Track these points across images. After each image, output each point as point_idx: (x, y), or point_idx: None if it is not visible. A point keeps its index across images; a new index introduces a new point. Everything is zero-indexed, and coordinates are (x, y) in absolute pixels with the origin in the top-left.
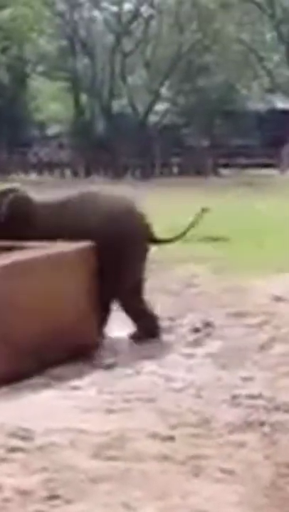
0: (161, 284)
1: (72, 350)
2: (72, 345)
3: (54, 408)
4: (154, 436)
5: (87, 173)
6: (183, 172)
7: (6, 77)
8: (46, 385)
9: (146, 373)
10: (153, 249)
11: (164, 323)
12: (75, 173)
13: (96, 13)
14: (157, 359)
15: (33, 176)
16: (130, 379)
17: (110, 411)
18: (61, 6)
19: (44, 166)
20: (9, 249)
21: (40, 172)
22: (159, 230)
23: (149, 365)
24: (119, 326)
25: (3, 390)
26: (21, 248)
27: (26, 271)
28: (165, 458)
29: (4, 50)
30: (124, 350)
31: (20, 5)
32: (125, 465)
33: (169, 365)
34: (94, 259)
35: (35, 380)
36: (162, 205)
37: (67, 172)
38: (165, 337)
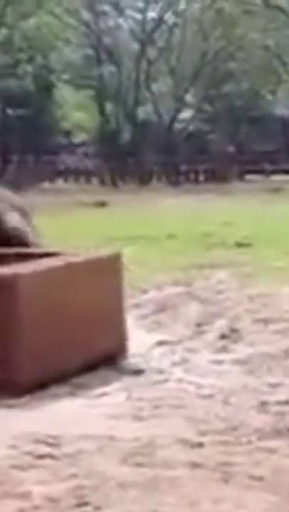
0: (187, 290)
1: (100, 356)
2: (101, 351)
3: (82, 415)
4: (183, 442)
5: (113, 181)
6: (208, 178)
7: (32, 86)
8: (73, 392)
9: (175, 380)
10: (179, 256)
11: (191, 330)
12: (101, 181)
13: (121, 21)
14: (185, 365)
15: (60, 184)
16: (159, 385)
17: (139, 418)
18: (86, 15)
19: (70, 174)
20: (41, 256)
21: (66, 180)
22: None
23: (177, 372)
24: (146, 331)
25: (28, 399)
26: (55, 254)
27: (62, 276)
28: (194, 465)
29: (30, 59)
30: (152, 355)
31: (45, 14)
32: (154, 472)
33: (197, 371)
34: (121, 264)
35: (62, 388)
36: (191, 211)
37: (93, 180)
38: (193, 343)
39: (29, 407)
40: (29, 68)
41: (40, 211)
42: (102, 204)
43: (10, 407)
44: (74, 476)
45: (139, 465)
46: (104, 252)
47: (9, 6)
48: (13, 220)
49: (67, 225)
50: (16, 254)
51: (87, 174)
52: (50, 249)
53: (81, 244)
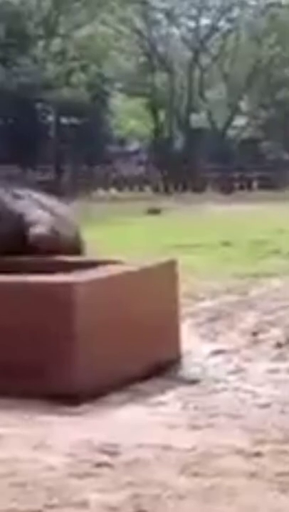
0: (243, 298)
1: (156, 364)
2: (156, 359)
3: (139, 424)
4: (239, 452)
5: (166, 188)
6: (262, 186)
7: (86, 96)
8: (130, 401)
9: (231, 389)
10: (233, 264)
11: (247, 338)
12: (155, 189)
13: (173, 29)
14: (241, 374)
15: (113, 192)
16: (215, 395)
17: (195, 427)
18: (139, 23)
19: (124, 182)
20: (96, 264)
21: (119, 188)
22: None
23: (233, 381)
24: (202, 340)
25: (86, 407)
26: (110, 263)
27: (118, 285)
28: (252, 474)
29: (83, 68)
30: (208, 364)
31: (98, 23)
32: (211, 481)
33: (253, 380)
34: (177, 272)
35: (119, 396)
36: (245, 219)
37: (147, 187)
38: (249, 352)
39: (87, 415)
40: (83, 77)
41: (94, 219)
42: (156, 212)
43: (68, 415)
44: (131, 484)
45: (196, 475)
46: (160, 260)
47: (62, 16)
48: (40, 228)
49: (121, 233)
50: (69, 263)
51: (141, 182)
52: (105, 258)
53: (135, 252)
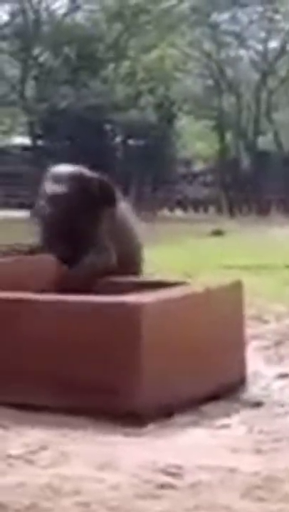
0: None
1: (220, 387)
2: (221, 381)
3: (203, 446)
4: None
5: (231, 210)
6: None
7: (153, 117)
8: (195, 423)
9: None
10: None
11: None
12: (219, 210)
13: (242, 52)
14: None
15: (178, 213)
16: (280, 418)
17: (260, 451)
18: (208, 46)
19: (189, 203)
20: (161, 285)
21: (184, 209)
22: None
23: None
24: (266, 363)
25: (151, 428)
26: (175, 284)
27: (184, 306)
28: None
29: (151, 90)
30: (273, 387)
31: (167, 46)
32: (277, 506)
33: None
34: (242, 294)
35: (184, 418)
36: None
37: (211, 208)
38: None
39: (152, 436)
40: (151, 99)
41: (159, 239)
42: (220, 233)
43: (134, 435)
44: (196, 507)
45: (261, 499)
46: (226, 281)
47: (132, 38)
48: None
49: (185, 253)
50: (137, 283)
51: (205, 203)
52: (173, 279)
53: (200, 273)
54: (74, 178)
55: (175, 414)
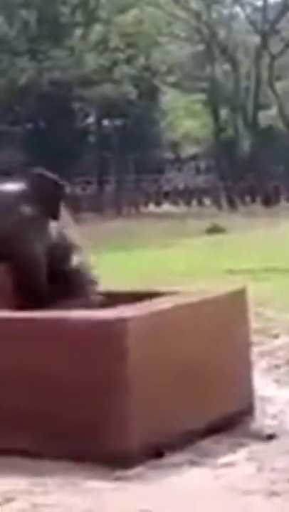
0: None
1: (222, 417)
2: (223, 410)
3: (204, 490)
4: None
5: (231, 201)
6: None
7: (132, 92)
8: (192, 462)
9: None
10: None
11: None
12: (216, 202)
13: (237, 9)
14: None
15: (166, 207)
16: None
17: (274, 493)
18: (195, 4)
19: (179, 195)
20: (149, 296)
21: (174, 202)
22: None
23: None
24: (278, 385)
25: (139, 470)
26: (165, 294)
27: (176, 320)
28: None
29: (129, 60)
30: (286, 414)
31: (146, 5)
32: None
33: None
34: (246, 304)
35: (179, 456)
36: None
37: (207, 200)
38: None
39: (141, 480)
40: (128, 70)
41: (142, 241)
42: (219, 230)
43: (119, 479)
44: None
45: None
46: (225, 289)
47: None
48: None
49: (177, 257)
50: (121, 295)
51: (199, 194)
52: (160, 288)
53: (195, 280)
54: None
55: (168, 452)
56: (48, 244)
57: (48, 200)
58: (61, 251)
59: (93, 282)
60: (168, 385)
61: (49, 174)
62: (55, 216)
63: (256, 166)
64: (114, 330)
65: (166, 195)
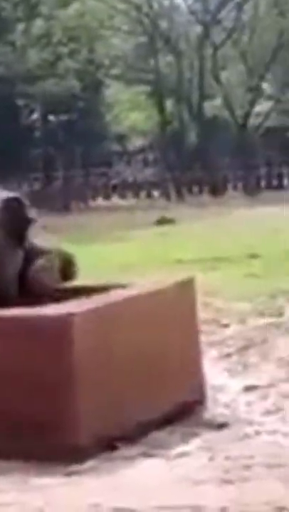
0: (277, 321)
1: (175, 408)
2: (175, 401)
3: (157, 482)
4: (281, 510)
5: (179, 193)
6: None
7: (76, 86)
8: (145, 454)
9: (268, 432)
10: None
11: (285, 369)
12: (165, 194)
13: (178, 0)
14: (280, 414)
15: (116, 200)
16: (248, 440)
17: (227, 481)
18: None
19: (127, 188)
20: (96, 290)
21: (123, 195)
22: None
23: (270, 422)
24: (230, 374)
25: (91, 464)
26: (112, 288)
27: (123, 314)
28: None
29: (72, 53)
30: (239, 404)
31: None
32: None
33: None
34: (195, 294)
35: (132, 449)
36: (276, 224)
37: (155, 193)
38: (288, 386)
39: (94, 474)
40: (72, 64)
41: (92, 235)
42: (168, 221)
43: (70, 474)
44: None
45: None
46: (173, 280)
47: None
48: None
49: (127, 249)
50: (66, 290)
51: (148, 186)
52: (108, 282)
53: (144, 272)
54: None
55: (122, 444)
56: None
57: (17, 226)
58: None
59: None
60: (118, 378)
61: (23, 200)
62: (22, 242)
63: (203, 157)
64: (60, 325)
65: (115, 188)
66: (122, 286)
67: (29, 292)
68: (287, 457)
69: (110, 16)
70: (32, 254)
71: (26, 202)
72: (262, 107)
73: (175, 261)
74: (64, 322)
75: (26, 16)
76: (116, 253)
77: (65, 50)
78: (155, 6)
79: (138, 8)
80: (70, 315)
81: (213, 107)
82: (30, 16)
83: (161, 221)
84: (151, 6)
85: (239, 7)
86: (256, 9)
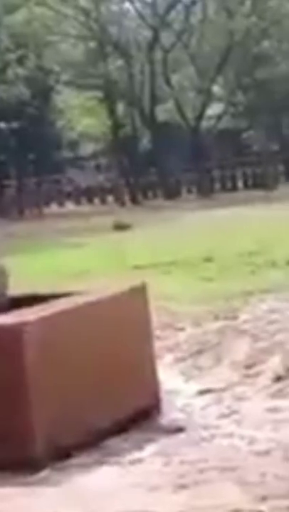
0: (232, 324)
1: (128, 414)
2: (128, 407)
3: (112, 489)
4: None
5: (133, 198)
6: (249, 184)
7: (26, 93)
8: (99, 462)
9: (223, 435)
10: (218, 283)
11: (239, 372)
12: (119, 199)
13: (126, 4)
14: (235, 417)
15: (70, 207)
16: (204, 444)
17: (182, 486)
18: (84, 2)
19: (81, 194)
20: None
21: (77, 201)
22: None
23: (225, 425)
24: (184, 378)
25: (43, 474)
26: (65, 295)
27: (76, 321)
28: None
29: (20, 60)
30: (194, 407)
31: (35, 5)
32: None
33: (249, 423)
34: (146, 299)
35: (85, 457)
36: (230, 227)
37: (109, 198)
38: (243, 389)
39: (49, 483)
40: (21, 71)
41: (47, 242)
42: (123, 227)
43: (26, 484)
44: None
45: None
46: (125, 286)
47: None
48: None
49: (83, 256)
50: (22, 299)
51: (102, 192)
52: (59, 290)
53: (99, 279)
54: None
55: (77, 452)
56: None
57: None
58: None
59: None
60: (71, 386)
61: None
62: None
63: (156, 161)
64: (10, 335)
65: (69, 195)
66: (75, 294)
67: None
68: (241, 460)
69: (58, 22)
70: None
71: None
72: (213, 109)
73: (131, 266)
74: (14, 332)
75: None
76: (72, 260)
77: (13, 56)
78: (103, 10)
79: (86, 13)
80: (21, 324)
81: (165, 110)
82: None
83: (117, 227)
84: (99, 11)
85: (187, 9)
86: (205, 12)
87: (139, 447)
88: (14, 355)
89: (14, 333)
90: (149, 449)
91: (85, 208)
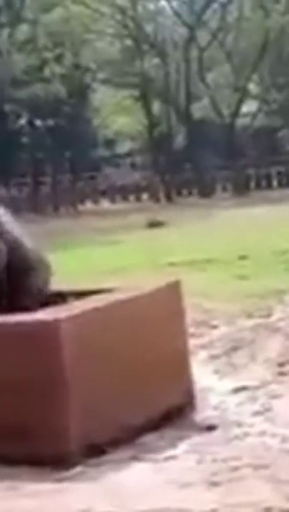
0: (266, 322)
1: (163, 411)
2: (163, 404)
3: (146, 485)
4: (268, 510)
5: (168, 195)
6: (283, 183)
7: (62, 91)
8: (133, 458)
9: (256, 434)
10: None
11: (273, 371)
12: (154, 197)
13: (163, 3)
14: (269, 415)
15: (105, 204)
16: (236, 442)
17: (214, 484)
18: (121, 0)
19: (116, 192)
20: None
21: (112, 199)
22: None
23: (258, 423)
24: (218, 376)
25: (80, 470)
26: (100, 292)
27: (110, 318)
28: None
29: (58, 58)
30: (228, 405)
31: (72, 3)
32: None
33: (283, 421)
34: (181, 296)
35: (120, 453)
36: (265, 225)
37: (144, 196)
38: (276, 387)
39: (83, 479)
40: (58, 69)
41: (82, 239)
42: (158, 224)
43: (60, 480)
44: None
45: None
46: (159, 283)
47: None
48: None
49: (118, 253)
50: (54, 295)
51: (137, 190)
52: (96, 286)
53: (134, 276)
54: None
55: (111, 449)
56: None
57: None
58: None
59: (44, 284)
60: (107, 382)
61: None
62: None
63: (191, 159)
64: (48, 331)
65: (104, 192)
66: (109, 290)
67: (16, 297)
68: (274, 458)
69: (95, 20)
70: (25, 261)
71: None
72: (249, 107)
73: (166, 264)
74: (52, 328)
75: (10, 22)
76: (107, 257)
77: (50, 55)
78: (140, 9)
79: (123, 11)
80: (58, 320)
81: (200, 108)
82: (14, 21)
83: (152, 224)
84: (136, 9)
85: (224, 8)
86: (241, 10)
87: (173, 444)
88: (51, 352)
89: (51, 329)
90: (183, 446)
91: (120, 205)
